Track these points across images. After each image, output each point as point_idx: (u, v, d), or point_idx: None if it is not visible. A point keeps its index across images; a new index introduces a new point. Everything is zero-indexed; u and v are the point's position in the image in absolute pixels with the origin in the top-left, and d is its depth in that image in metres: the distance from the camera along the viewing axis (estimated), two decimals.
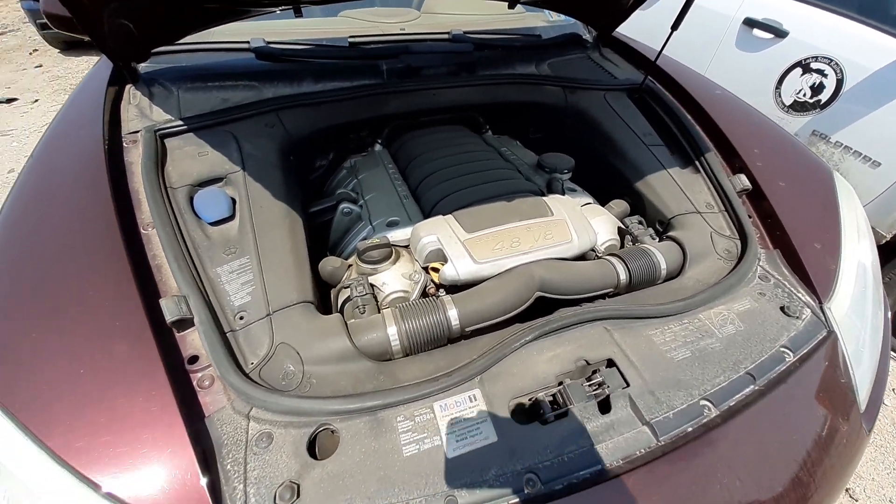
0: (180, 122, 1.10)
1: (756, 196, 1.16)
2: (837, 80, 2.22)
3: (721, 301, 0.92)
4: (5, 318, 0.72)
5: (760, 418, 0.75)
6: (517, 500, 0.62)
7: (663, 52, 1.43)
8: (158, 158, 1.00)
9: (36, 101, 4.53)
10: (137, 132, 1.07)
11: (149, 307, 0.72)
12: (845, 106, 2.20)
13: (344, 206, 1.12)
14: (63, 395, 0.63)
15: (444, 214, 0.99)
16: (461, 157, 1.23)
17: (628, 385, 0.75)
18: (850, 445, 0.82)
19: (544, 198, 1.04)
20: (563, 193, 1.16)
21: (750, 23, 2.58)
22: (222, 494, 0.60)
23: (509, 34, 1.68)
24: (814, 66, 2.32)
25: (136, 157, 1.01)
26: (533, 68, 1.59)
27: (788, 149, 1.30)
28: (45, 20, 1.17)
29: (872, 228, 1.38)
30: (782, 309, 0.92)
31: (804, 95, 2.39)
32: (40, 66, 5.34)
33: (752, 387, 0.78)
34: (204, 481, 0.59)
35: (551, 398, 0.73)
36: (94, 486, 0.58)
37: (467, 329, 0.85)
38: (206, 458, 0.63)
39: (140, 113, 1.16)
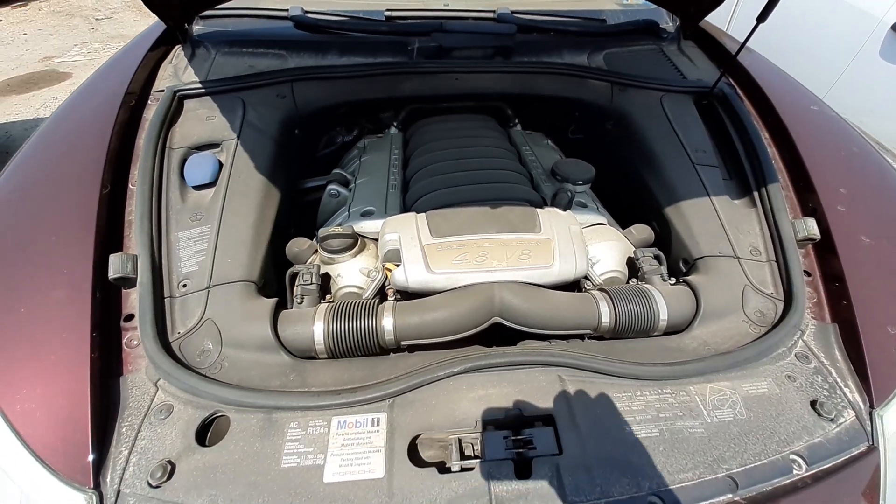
0: (199, 85, 1.14)
1: (825, 249, 0.89)
2: None
3: (726, 376, 0.73)
4: None
5: None
6: None
7: (748, 47, 1.16)
8: (167, 118, 1.04)
9: None
10: (162, 91, 1.12)
11: (100, 261, 0.76)
12: None
13: (331, 187, 1.08)
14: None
15: (421, 211, 0.91)
16: (465, 151, 1.11)
17: (561, 452, 0.62)
18: None
19: (538, 210, 0.90)
20: (568, 208, 1.00)
21: None
22: (108, 457, 0.61)
23: (566, 17, 1.48)
24: None
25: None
26: (584, 59, 1.39)
27: (892, 195, 0.98)
28: None
29: None
30: (813, 404, 0.71)
31: None
32: None
33: (728, 495, 0.61)
34: (91, 439, 0.61)
35: (463, 445, 0.63)
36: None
37: (404, 343, 0.77)
38: (108, 416, 0.65)
39: (174, 73, 1.22)
